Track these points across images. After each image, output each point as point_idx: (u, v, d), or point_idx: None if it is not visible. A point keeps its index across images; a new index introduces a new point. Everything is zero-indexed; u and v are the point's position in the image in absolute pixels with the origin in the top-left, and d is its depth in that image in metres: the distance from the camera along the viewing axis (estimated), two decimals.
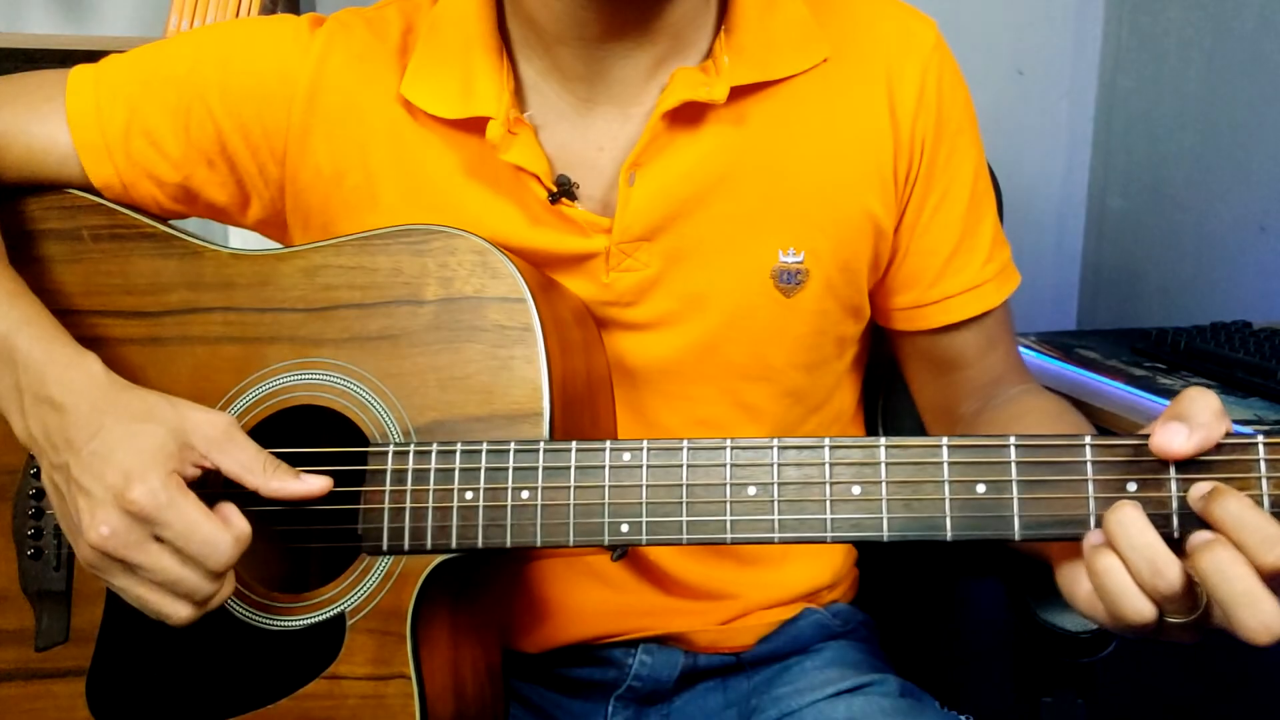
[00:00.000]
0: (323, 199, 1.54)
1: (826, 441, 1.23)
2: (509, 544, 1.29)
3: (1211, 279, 2.78)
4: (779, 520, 1.22)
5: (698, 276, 1.50)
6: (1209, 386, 1.15)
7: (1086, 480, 1.16)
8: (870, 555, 1.82)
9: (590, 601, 1.57)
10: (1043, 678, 1.66)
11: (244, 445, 1.30)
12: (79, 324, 1.44)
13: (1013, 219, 1.97)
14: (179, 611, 1.25)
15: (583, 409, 1.40)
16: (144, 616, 1.32)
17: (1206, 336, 2.26)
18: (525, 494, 1.29)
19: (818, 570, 1.67)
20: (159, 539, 1.24)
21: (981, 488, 1.18)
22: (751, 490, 1.23)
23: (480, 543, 1.30)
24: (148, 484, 1.23)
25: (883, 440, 1.22)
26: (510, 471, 1.29)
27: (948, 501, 1.19)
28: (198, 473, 1.28)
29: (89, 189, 1.55)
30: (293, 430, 1.40)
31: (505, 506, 1.29)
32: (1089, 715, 1.66)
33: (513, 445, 1.30)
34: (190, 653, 1.39)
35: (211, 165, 1.55)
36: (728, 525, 1.24)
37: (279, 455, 1.34)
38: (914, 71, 1.50)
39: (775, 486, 1.23)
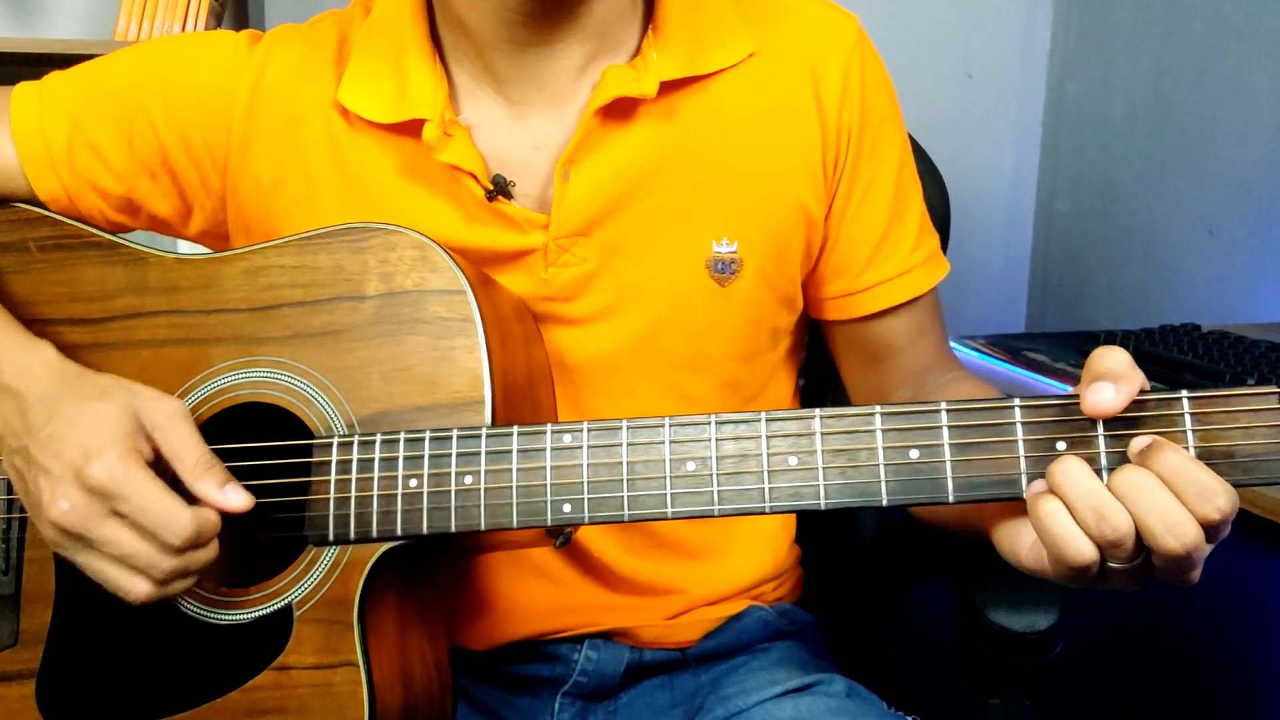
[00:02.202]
0: (263, 208, 1.56)
1: (763, 415, 1.24)
2: (453, 528, 1.30)
3: (1160, 282, 2.80)
4: (718, 493, 1.24)
5: (634, 269, 1.52)
6: (1157, 388, 1.16)
7: (1016, 441, 1.18)
8: (816, 555, 1.83)
9: (535, 598, 1.58)
10: (990, 679, 1.67)
11: (185, 434, 1.31)
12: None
13: (961, 222, 1.99)
14: (137, 586, 1.26)
15: (523, 401, 1.41)
16: (93, 617, 1.33)
17: (1155, 339, 2.28)
18: (469, 479, 1.30)
19: (760, 562, 1.68)
20: (119, 514, 1.25)
21: (915, 453, 1.20)
22: (690, 465, 1.25)
23: (425, 528, 1.31)
24: (105, 460, 1.24)
25: (818, 411, 1.23)
26: (453, 458, 1.31)
27: (882, 468, 1.20)
28: (151, 453, 1.29)
29: (35, 202, 1.56)
30: (239, 427, 1.41)
31: (449, 491, 1.30)
32: (1036, 717, 1.67)
33: (455, 432, 1.31)
34: (140, 650, 1.39)
35: (154, 177, 1.56)
36: (668, 500, 1.25)
37: (225, 450, 1.35)
38: (838, 64, 1.53)
39: (714, 460, 1.24)
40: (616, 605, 1.60)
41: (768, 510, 1.23)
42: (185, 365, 1.43)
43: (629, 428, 1.27)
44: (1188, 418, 1.13)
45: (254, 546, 1.49)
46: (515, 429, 1.30)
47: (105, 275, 1.48)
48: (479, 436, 1.31)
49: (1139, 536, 1.09)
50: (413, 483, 1.31)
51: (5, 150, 1.56)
